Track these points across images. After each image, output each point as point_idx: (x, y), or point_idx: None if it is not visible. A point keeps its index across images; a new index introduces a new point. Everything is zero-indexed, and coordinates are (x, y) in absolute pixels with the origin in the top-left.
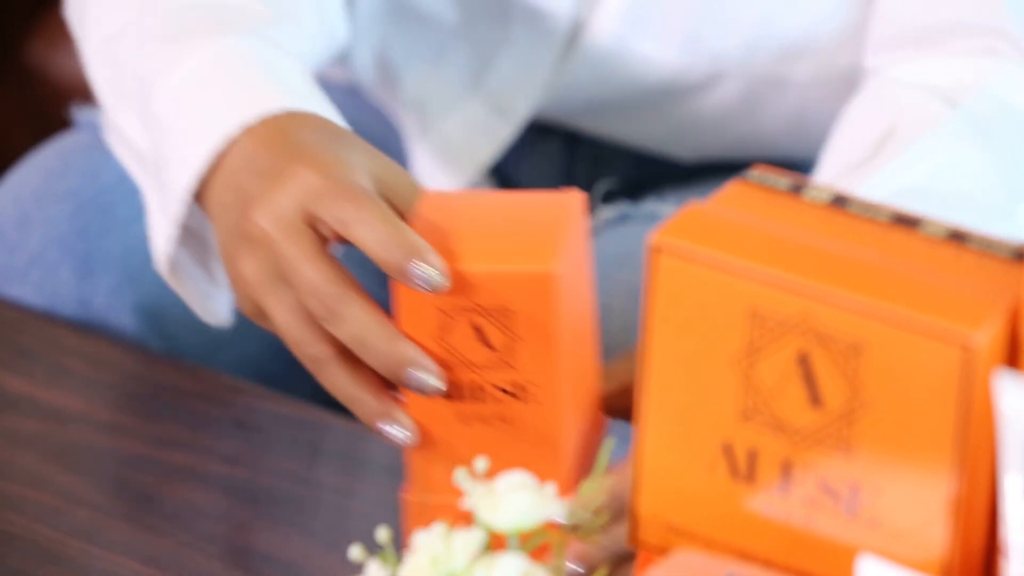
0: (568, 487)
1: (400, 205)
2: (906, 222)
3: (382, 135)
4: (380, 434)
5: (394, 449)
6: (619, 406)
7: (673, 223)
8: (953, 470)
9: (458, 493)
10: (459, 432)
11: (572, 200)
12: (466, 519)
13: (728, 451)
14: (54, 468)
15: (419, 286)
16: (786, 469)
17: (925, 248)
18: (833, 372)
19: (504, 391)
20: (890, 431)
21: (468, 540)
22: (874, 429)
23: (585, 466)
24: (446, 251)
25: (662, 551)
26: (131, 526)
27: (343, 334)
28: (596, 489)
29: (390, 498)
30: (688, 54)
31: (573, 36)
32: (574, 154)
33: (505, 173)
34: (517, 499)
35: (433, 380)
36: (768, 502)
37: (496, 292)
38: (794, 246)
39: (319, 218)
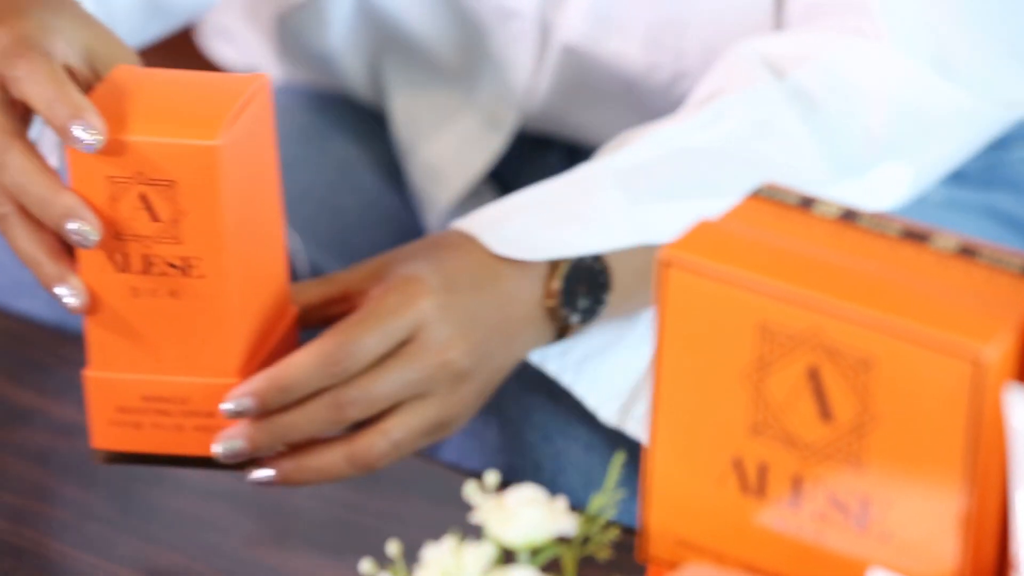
0: (241, 368)
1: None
2: (916, 236)
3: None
4: (55, 298)
5: (406, 464)
6: (334, 312)
7: (683, 238)
8: (963, 484)
9: (137, 369)
10: (132, 306)
11: (258, 81)
12: (151, 396)
13: (738, 465)
14: (64, 482)
15: (79, 145)
16: (796, 483)
17: (935, 262)
18: (843, 386)
19: (172, 265)
20: (900, 445)
21: (479, 554)
22: (884, 443)
23: (265, 350)
24: (118, 119)
25: (672, 565)
26: (140, 540)
27: (7, 182)
28: (605, 502)
29: (400, 512)
30: (652, 52)
31: (544, 37)
32: (573, 165)
33: (506, 184)
34: (527, 514)
35: (92, 233)
36: (778, 516)
37: (161, 163)
38: (804, 260)
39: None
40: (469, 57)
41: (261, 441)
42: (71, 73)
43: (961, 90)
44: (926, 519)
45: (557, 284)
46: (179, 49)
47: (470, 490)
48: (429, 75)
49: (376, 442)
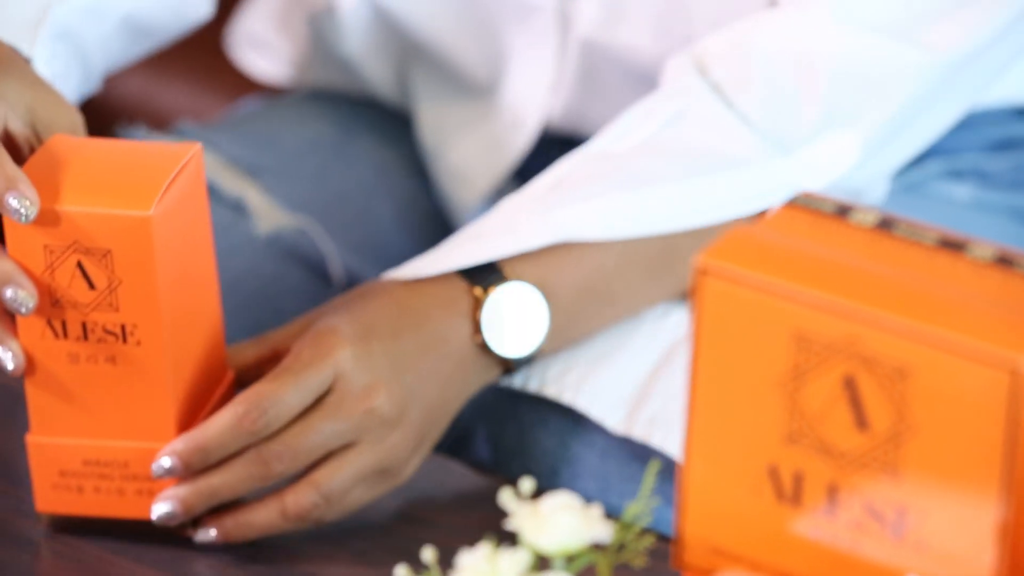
0: (179, 432)
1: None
2: (952, 245)
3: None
4: None
5: (437, 468)
6: (268, 371)
7: (719, 245)
8: (1000, 494)
9: (78, 433)
10: (71, 371)
11: (191, 150)
12: (91, 460)
13: (774, 474)
14: None
15: (13, 216)
16: (832, 492)
17: (972, 271)
18: (879, 395)
19: (109, 332)
20: (937, 455)
21: (514, 561)
22: (921, 452)
23: (202, 414)
24: (54, 189)
25: (707, 573)
26: (177, 546)
27: None
28: (641, 509)
29: (433, 517)
30: (662, 40)
31: (564, 31)
32: None
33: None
34: (562, 520)
35: (28, 299)
36: (814, 525)
37: (96, 233)
38: (840, 269)
39: None
40: (492, 60)
41: (192, 502)
42: (10, 137)
43: (895, 43)
44: (963, 528)
45: (479, 316)
46: (209, 60)
47: (505, 497)
48: (453, 80)
49: (306, 494)
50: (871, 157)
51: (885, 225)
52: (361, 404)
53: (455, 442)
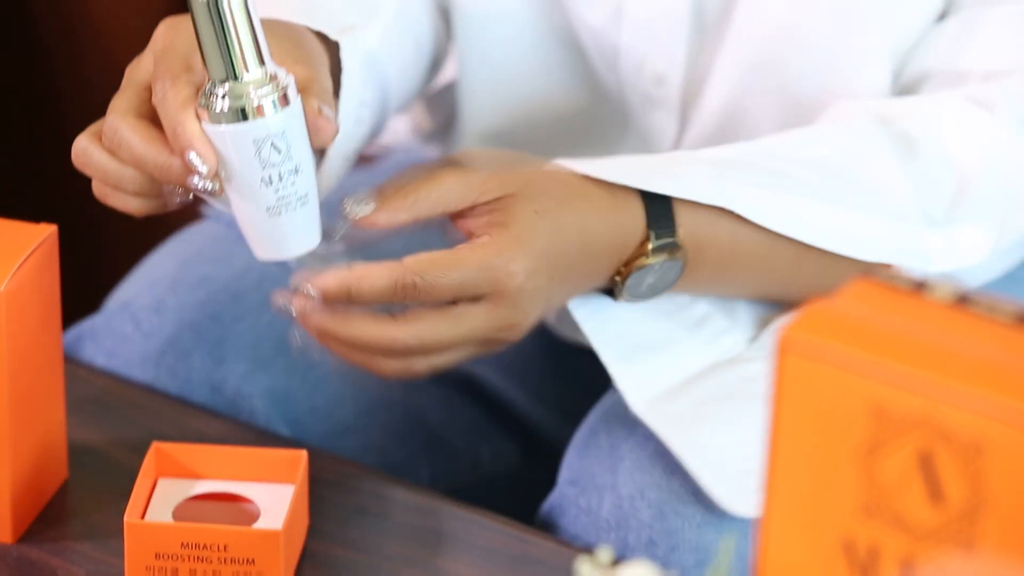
0: (12, 528)
1: None
2: None
3: None
4: None
5: (519, 539)
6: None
7: (799, 321)
8: None
9: None
10: None
11: (45, 233)
12: None
13: (849, 547)
14: None
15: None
16: (907, 566)
17: None
18: (955, 470)
19: None
20: (1013, 530)
21: None
22: (997, 528)
23: (37, 508)
24: None
25: None
26: None
27: (126, 157)
28: None
29: None
30: (787, 119)
31: (684, 121)
32: None
33: None
34: None
35: (211, 178)
36: None
37: None
38: (917, 344)
39: None
40: (612, 131)
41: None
42: None
43: None
44: None
45: (635, 262)
46: None
47: (583, 566)
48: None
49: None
50: (994, 255)
51: (962, 301)
52: (508, 278)
53: (547, 514)
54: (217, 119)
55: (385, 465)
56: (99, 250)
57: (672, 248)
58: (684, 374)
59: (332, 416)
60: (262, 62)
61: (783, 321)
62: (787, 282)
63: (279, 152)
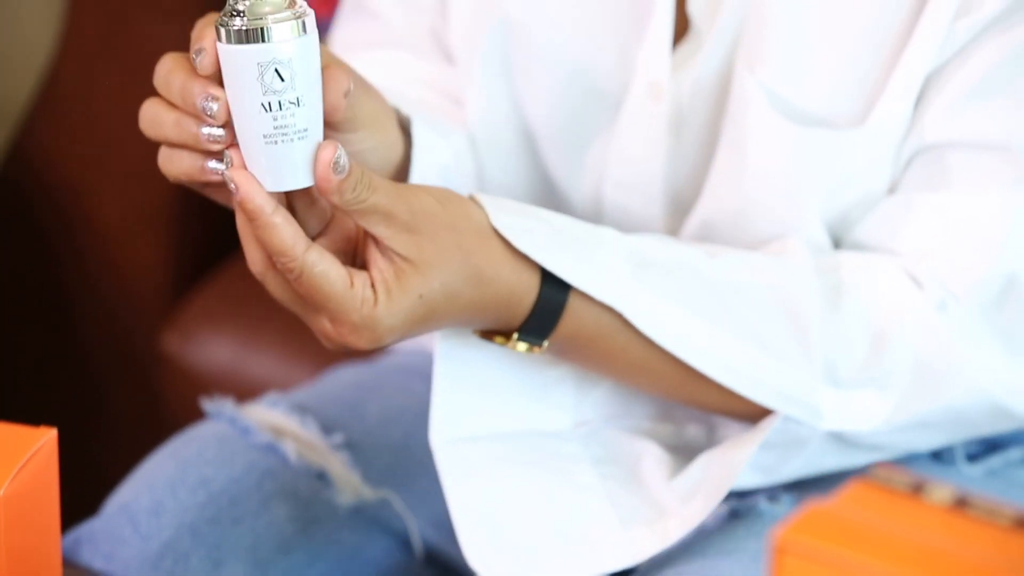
0: None
1: None
2: None
3: None
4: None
5: None
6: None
7: (796, 523)
8: None
9: None
10: None
11: (45, 437)
12: None
13: None
14: None
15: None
16: None
17: None
18: None
19: None
20: None
21: None
22: None
23: None
24: None
25: None
26: None
27: (173, 92)
28: None
29: None
30: (778, 235)
31: (674, 230)
32: None
33: None
34: None
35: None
36: None
37: None
38: (915, 547)
39: None
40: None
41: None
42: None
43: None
44: None
45: (521, 324)
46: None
47: None
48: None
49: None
50: (890, 426)
51: (960, 504)
52: (361, 326)
53: None
54: (227, 38)
55: None
56: (99, 452)
57: (537, 345)
58: (500, 429)
59: None
60: None
61: (634, 415)
62: (675, 393)
63: (282, 80)
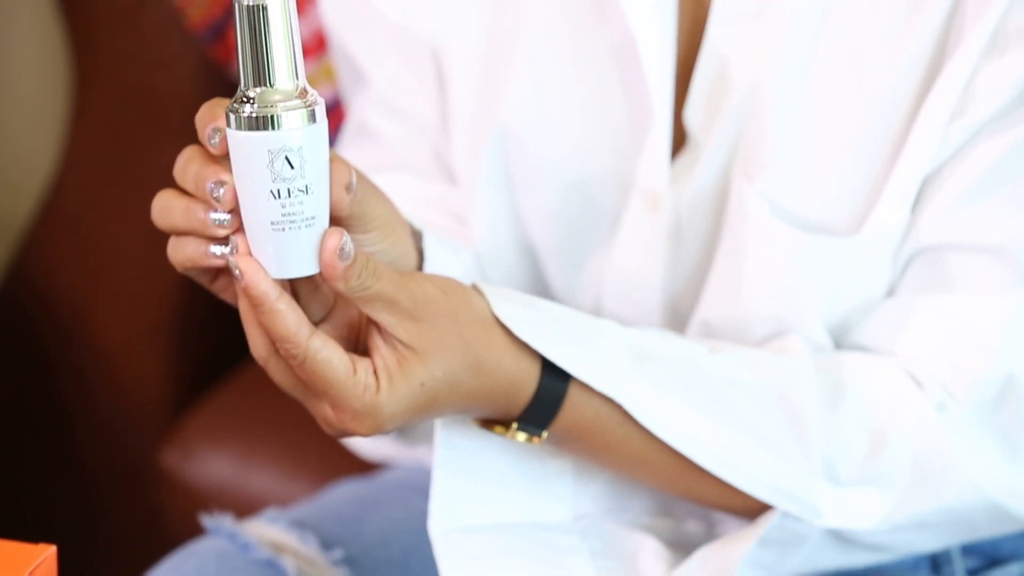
0: None
1: None
2: None
3: None
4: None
5: None
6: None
7: None
8: None
9: None
10: None
11: (44, 554)
12: None
13: None
14: None
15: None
16: None
17: None
18: None
19: None
20: None
21: None
22: None
23: None
24: None
25: None
26: None
27: (188, 178)
28: None
29: None
30: (776, 329)
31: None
32: None
33: None
34: None
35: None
36: None
37: None
38: None
39: None
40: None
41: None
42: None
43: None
44: None
45: (521, 414)
46: (298, 444)
47: None
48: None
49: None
50: (889, 526)
51: None
52: (363, 413)
53: None
54: (237, 124)
55: None
56: (99, 568)
57: (536, 435)
58: (499, 519)
59: None
60: (295, 76)
61: (633, 509)
62: (673, 486)
63: (292, 167)
